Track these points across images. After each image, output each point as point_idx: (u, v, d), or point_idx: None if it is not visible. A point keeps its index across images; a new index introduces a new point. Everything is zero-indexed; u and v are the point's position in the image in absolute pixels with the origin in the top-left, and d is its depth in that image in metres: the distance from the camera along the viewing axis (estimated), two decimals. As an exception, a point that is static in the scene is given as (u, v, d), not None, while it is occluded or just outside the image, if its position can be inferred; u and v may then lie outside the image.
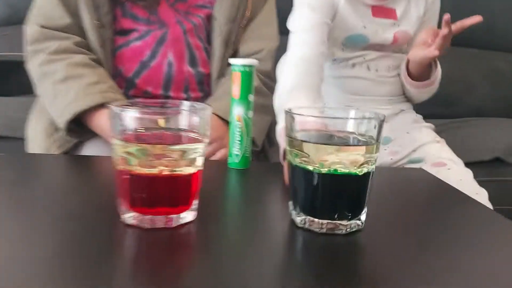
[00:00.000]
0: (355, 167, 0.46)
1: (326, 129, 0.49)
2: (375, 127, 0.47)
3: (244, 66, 0.70)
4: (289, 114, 0.49)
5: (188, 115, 0.49)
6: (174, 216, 0.48)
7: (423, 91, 1.04)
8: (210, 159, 0.85)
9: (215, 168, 0.75)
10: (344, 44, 1.01)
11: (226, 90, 0.89)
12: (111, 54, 0.94)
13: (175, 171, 0.47)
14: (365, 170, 0.47)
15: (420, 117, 1.10)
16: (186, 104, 0.52)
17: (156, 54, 0.95)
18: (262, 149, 0.99)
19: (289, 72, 0.85)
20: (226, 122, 0.86)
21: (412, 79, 1.02)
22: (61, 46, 0.90)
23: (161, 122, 0.48)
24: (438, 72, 1.01)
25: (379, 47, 1.02)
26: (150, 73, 0.95)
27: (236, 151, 0.72)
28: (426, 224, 0.54)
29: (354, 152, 0.47)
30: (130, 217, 0.48)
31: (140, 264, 0.41)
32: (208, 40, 1.01)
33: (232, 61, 0.71)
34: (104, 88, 0.86)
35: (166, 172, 0.46)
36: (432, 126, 1.09)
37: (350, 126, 0.48)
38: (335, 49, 1.02)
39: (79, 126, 0.89)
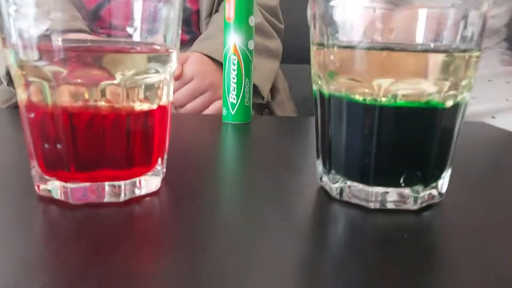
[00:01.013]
0: (439, 94, 0.26)
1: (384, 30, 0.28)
2: (474, 23, 0.27)
3: (242, -27, 0.49)
4: None
5: (140, 4, 0.28)
6: (123, 183, 0.28)
7: None
8: (202, 113, 0.65)
9: (206, 124, 0.55)
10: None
11: (221, 27, 0.68)
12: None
13: (119, 107, 0.27)
14: (454, 99, 0.27)
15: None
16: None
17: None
18: (266, 102, 0.78)
19: None
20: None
21: None
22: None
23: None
24: None
25: None
26: (118, 4, 0.73)
27: (232, 98, 0.51)
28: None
29: (438, 67, 0.26)
30: (45, 186, 0.28)
31: (60, 269, 0.21)
32: None
33: (224, -31, 0.50)
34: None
35: (104, 108, 0.26)
36: None
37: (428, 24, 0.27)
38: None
39: None
